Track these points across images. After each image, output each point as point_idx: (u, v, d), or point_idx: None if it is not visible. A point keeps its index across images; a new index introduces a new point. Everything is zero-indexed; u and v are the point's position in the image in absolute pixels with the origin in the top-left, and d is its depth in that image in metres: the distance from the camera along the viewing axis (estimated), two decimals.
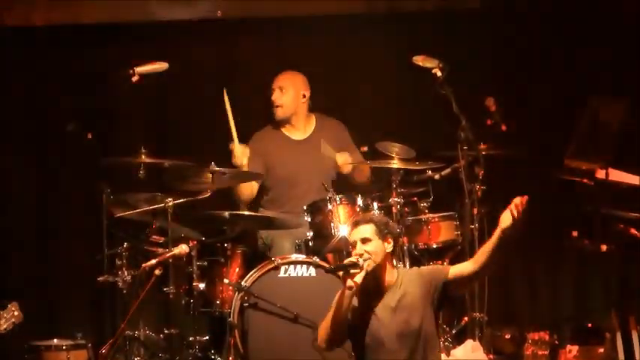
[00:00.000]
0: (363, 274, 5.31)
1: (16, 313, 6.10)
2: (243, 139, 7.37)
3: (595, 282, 7.80)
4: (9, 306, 6.08)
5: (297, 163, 7.28)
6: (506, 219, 5.23)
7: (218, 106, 8.00)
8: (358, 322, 5.37)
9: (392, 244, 5.44)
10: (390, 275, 5.43)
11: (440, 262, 7.11)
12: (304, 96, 7.34)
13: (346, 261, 5.39)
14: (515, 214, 5.19)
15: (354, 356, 5.47)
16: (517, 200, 5.21)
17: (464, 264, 5.45)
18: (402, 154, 7.13)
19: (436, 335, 5.44)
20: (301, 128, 7.39)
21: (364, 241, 5.40)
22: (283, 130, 7.38)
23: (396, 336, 5.34)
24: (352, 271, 5.32)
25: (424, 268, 5.61)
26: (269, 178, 7.29)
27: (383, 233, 5.42)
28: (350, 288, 5.31)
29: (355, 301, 5.38)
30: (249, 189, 7.23)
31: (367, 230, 5.42)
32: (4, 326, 6.08)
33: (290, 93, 7.31)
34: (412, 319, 5.34)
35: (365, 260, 5.34)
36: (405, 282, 5.42)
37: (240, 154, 7.14)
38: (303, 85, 7.35)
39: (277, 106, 7.32)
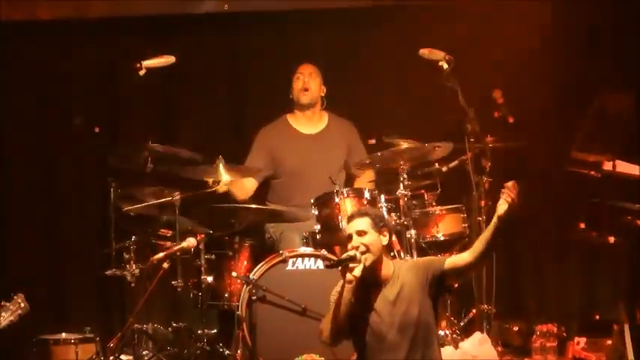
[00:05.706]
0: (361, 267, 5.28)
1: (22, 305, 6.06)
2: (249, 130, 7.41)
3: (602, 274, 7.80)
4: (15, 297, 6.06)
5: (306, 157, 7.28)
6: (501, 206, 5.23)
7: (225, 99, 8.06)
8: (358, 318, 5.34)
9: (387, 237, 5.40)
10: (387, 268, 5.39)
11: (447, 254, 7.10)
12: (323, 90, 7.40)
13: (344, 255, 5.34)
14: (509, 199, 5.18)
15: (356, 352, 5.41)
16: (509, 184, 5.21)
17: (460, 255, 5.42)
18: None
19: (435, 327, 5.39)
20: (313, 123, 7.40)
21: (360, 233, 5.35)
22: (293, 124, 7.39)
23: (397, 329, 5.30)
24: (351, 265, 5.28)
25: (420, 259, 5.60)
26: (277, 171, 7.29)
27: (378, 226, 5.37)
28: (350, 282, 5.27)
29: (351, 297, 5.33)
30: (243, 190, 7.21)
31: (363, 223, 5.37)
32: (10, 318, 6.05)
33: (317, 81, 7.38)
34: (411, 309, 5.30)
35: (362, 253, 5.30)
36: (402, 274, 5.38)
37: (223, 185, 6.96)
38: (322, 80, 7.42)
39: (306, 90, 7.33)
